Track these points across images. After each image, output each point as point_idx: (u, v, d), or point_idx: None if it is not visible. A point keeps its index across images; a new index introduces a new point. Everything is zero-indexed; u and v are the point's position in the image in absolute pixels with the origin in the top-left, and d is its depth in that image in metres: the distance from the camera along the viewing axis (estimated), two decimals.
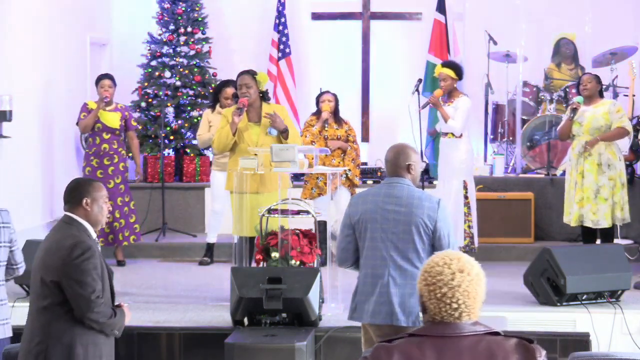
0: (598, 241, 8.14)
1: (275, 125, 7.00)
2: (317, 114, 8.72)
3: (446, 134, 8.36)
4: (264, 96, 7.21)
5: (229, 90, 8.51)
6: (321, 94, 8.83)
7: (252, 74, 7.16)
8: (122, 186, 8.67)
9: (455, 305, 2.81)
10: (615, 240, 8.32)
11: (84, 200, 4.50)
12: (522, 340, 2.82)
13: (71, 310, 4.41)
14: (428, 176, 9.69)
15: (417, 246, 4.80)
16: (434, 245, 4.81)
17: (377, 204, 4.89)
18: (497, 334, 2.84)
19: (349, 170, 8.63)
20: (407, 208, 4.82)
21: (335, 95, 8.77)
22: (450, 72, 8.27)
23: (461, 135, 8.28)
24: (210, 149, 8.88)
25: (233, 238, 7.23)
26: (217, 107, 8.62)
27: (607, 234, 8.04)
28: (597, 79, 8.15)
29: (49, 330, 4.40)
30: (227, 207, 8.59)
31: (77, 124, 8.94)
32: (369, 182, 10.05)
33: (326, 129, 8.64)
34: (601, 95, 8.14)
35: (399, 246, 4.83)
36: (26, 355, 4.44)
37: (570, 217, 8.07)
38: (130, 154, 9.05)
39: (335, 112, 8.72)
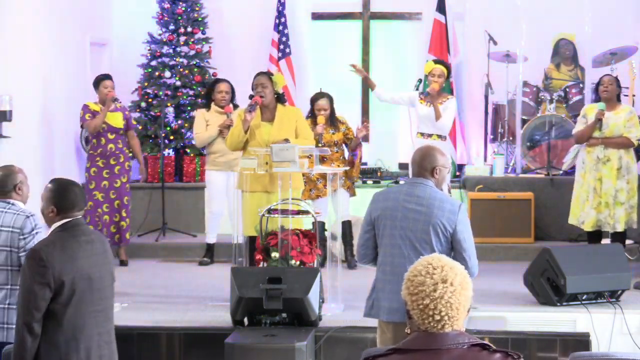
0: (608, 241, 8.10)
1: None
2: (313, 117, 8.39)
3: (430, 135, 8.16)
4: (279, 97, 7.20)
5: (222, 86, 8.59)
6: (315, 99, 8.48)
7: (268, 75, 7.20)
8: (128, 185, 8.71)
9: (437, 317, 2.75)
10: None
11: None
12: (506, 356, 2.76)
13: None
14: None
15: (435, 247, 4.78)
16: (454, 248, 4.81)
17: (398, 201, 4.88)
18: (482, 346, 2.78)
19: (353, 178, 8.52)
20: (428, 208, 4.81)
21: (329, 98, 8.44)
22: (445, 70, 8.22)
23: (445, 138, 8.24)
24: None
25: (233, 238, 7.22)
26: (212, 105, 8.65)
27: (620, 237, 7.95)
28: (618, 82, 8.10)
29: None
30: (225, 207, 8.61)
31: (81, 125, 8.93)
32: (369, 182, 10.05)
33: (322, 136, 8.32)
34: (619, 99, 8.07)
35: (417, 245, 4.81)
36: None
37: (581, 221, 8.02)
38: (131, 154, 9.03)
39: (331, 116, 8.42)
